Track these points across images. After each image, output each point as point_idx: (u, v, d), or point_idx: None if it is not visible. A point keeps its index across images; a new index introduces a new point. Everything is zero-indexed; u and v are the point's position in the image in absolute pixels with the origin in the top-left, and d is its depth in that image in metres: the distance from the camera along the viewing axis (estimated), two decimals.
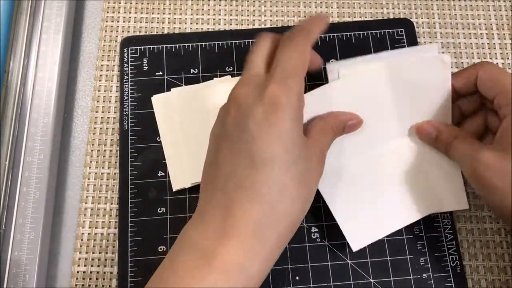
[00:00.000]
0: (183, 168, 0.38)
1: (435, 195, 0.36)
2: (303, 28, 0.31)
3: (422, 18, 0.44)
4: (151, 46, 0.42)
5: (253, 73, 0.31)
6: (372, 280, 0.36)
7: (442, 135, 0.35)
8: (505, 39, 0.44)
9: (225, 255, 0.26)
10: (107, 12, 0.44)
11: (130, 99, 0.41)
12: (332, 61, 0.41)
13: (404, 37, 0.42)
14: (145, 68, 0.42)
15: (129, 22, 0.44)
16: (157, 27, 0.44)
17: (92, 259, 0.37)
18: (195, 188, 0.38)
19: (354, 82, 0.34)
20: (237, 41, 0.42)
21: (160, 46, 0.42)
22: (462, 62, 0.43)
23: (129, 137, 0.39)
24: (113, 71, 0.42)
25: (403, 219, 0.36)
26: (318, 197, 0.38)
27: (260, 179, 0.27)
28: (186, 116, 0.39)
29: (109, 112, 0.41)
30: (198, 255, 0.26)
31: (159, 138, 0.39)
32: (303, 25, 0.32)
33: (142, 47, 0.42)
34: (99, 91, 0.42)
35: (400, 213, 0.36)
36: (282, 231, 0.28)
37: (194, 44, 0.42)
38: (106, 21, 0.44)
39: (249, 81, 0.30)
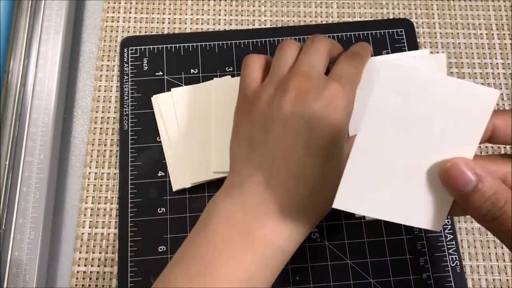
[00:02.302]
0: (183, 168, 0.38)
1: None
2: (358, 52, 0.34)
3: (422, 18, 0.44)
4: (151, 46, 0.42)
5: (305, 69, 0.31)
6: (372, 280, 0.36)
7: (486, 189, 0.23)
8: (505, 39, 0.44)
9: (265, 234, 0.27)
10: (107, 12, 0.44)
11: (130, 99, 0.41)
12: None
13: (404, 37, 0.42)
14: (145, 68, 0.42)
15: (129, 22, 0.44)
16: (157, 27, 0.44)
17: (92, 259, 0.37)
18: (195, 188, 0.38)
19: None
20: (237, 41, 0.42)
21: (160, 46, 0.42)
22: (462, 62, 0.43)
23: (129, 137, 0.39)
24: (113, 71, 0.42)
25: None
26: None
27: (310, 167, 0.28)
28: (186, 116, 0.39)
29: (109, 112, 0.41)
30: (236, 228, 0.27)
31: (159, 138, 0.39)
32: (356, 49, 0.34)
33: (142, 47, 0.42)
34: (99, 91, 0.42)
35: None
36: (318, 216, 0.30)
37: (194, 44, 0.42)
38: (106, 21, 0.44)
39: (308, 76, 0.30)
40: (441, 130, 0.24)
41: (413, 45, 0.42)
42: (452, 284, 0.36)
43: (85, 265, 0.37)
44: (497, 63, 0.43)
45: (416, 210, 0.25)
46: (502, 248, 0.38)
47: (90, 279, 0.37)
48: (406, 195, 0.25)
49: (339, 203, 0.25)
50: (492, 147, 0.40)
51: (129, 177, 0.38)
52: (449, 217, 0.38)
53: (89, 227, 0.38)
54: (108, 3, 0.44)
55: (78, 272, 0.37)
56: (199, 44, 0.42)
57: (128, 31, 0.43)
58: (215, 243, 0.27)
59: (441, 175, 0.24)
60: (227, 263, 0.26)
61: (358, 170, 0.25)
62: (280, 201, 0.28)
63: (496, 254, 0.37)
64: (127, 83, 0.41)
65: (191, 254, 0.27)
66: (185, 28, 0.44)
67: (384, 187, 0.25)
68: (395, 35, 0.43)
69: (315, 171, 0.28)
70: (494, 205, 0.22)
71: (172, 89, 0.40)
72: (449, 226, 0.37)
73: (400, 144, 0.24)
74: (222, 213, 0.28)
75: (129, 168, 0.39)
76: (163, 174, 0.38)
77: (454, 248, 0.37)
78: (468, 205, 0.23)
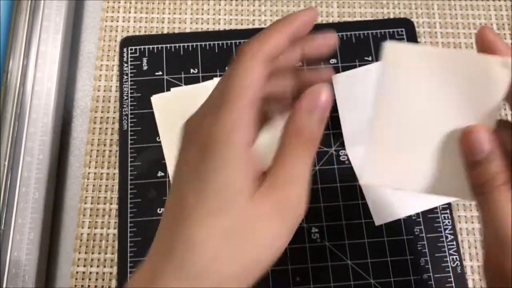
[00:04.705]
0: None
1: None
2: (257, 38, 0.25)
3: (422, 18, 0.44)
4: (151, 46, 0.42)
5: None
6: (372, 281, 0.36)
7: (491, 166, 0.23)
8: (505, 39, 0.44)
9: None
10: (107, 11, 0.44)
11: (129, 99, 0.40)
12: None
13: (405, 37, 0.42)
14: (145, 68, 0.41)
15: (128, 22, 0.44)
16: (156, 27, 0.44)
17: (92, 260, 0.37)
18: None
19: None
20: (237, 41, 0.42)
21: (159, 46, 0.42)
22: None
23: (129, 137, 0.39)
24: (112, 71, 0.42)
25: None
26: (317, 197, 0.38)
27: (177, 233, 0.23)
28: (185, 116, 0.39)
29: (108, 112, 0.41)
30: None
31: (159, 138, 0.39)
32: (264, 31, 0.26)
33: (142, 47, 0.42)
34: (98, 91, 0.42)
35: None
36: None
37: (194, 44, 0.42)
38: (106, 21, 0.44)
39: (205, 104, 0.26)
40: (460, 101, 0.24)
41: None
42: (453, 284, 0.36)
43: (84, 266, 0.37)
44: None
45: (445, 180, 0.26)
46: None
47: (90, 279, 0.37)
48: (433, 166, 0.25)
49: (366, 180, 0.26)
50: None
51: (129, 177, 0.38)
52: (449, 217, 0.38)
53: (89, 228, 0.38)
54: (108, 2, 0.44)
55: (77, 272, 0.37)
56: (199, 44, 0.42)
57: (128, 31, 0.43)
58: None
59: (461, 138, 0.24)
60: None
61: (379, 146, 0.25)
62: (157, 282, 0.22)
63: None
64: (127, 83, 0.41)
65: None
66: (185, 28, 0.44)
67: (409, 159, 0.25)
68: (396, 35, 0.42)
69: (183, 239, 0.23)
70: (490, 182, 0.23)
71: (171, 89, 0.40)
72: (450, 227, 0.37)
73: (417, 118, 0.25)
74: None
75: (129, 168, 0.38)
76: (162, 174, 0.38)
77: (455, 248, 0.37)
78: (470, 173, 0.24)
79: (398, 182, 0.26)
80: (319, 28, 0.43)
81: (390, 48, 0.24)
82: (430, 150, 0.25)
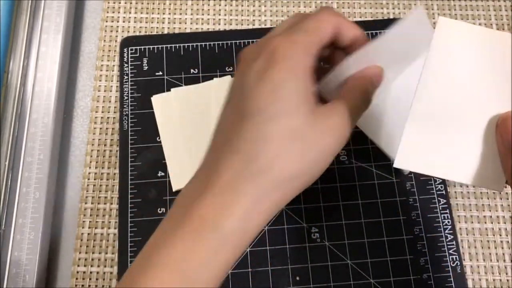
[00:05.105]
0: (183, 168, 0.38)
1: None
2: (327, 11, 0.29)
3: None
4: (151, 46, 0.42)
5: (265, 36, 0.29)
6: (372, 281, 0.36)
7: None
8: None
9: (197, 210, 0.24)
10: (107, 12, 0.44)
11: (130, 99, 0.40)
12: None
13: None
14: (145, 68, 0.41)
15: (129, 22, 0.44)
16: (157, 27, 0.44)
17: (92, 259, 0.37)
18: None
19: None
20: (237, 41, 0.42)
21: (160, 46, 0.42)
22: None
23: (129, 137, 0.39)
24: (113, 71, 0.42)
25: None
26: (317, 197, 0.38)
27: (243, 130, 0.25)
28: (186, 116, 0.39)
29: (109, 112, 0.41)
30: (176, 214, 0.26)
31: (159, 138, 0.39)
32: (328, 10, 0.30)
33: (142, 47, 0.42)
34: (99, 91, 0.42)
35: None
36: (263, 187, 0.25)
37: (194, 44, 0.42)
38: (106, 21, 0.44)
39: (258, 41, 0.29)
40: (501, 85, 0.24)
41: None
42: (453, 284, 0.36)
43: (85, 265, 0.37)
44: None
45: (477, 168, 0.25)
46: (502, 248, 0.38)
47: (90, 279, 0.37)
48: (467, 152, 0.25)
49: (399, 163, 0.26)
50: None
51: (129, 177, 0.38)
52: (449, 217, 0.38)
53: (89, 227, 0.38)
54: (108, 3, 0.44)
55: (78, 272, 0.37)
56: (199, 44, 0.42)
57: (128, 31, 0.43)
58: (162, 229, 0.27)
59: (497, 124, 0.25)
60: (163, 249, 0.26)
61: (417, 129, 0.25)
62: (215, 175, 0.25)
63: (497, 254, 0.37)
64: (127, 83, 0.41)
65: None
66: (185, 28, 0.44)
67: (445, 144, 0.25)
68: None
69: (250, 135, 0.25)
70: None
71: (172, 89, 0.40)
72: (450, 227, 0.37)
73: (459, 100, 0.24)
74: (173, 204, 0.27)
75: (129, 168, 0.39)
76: (163, 174, 0.38)
77: (455, 248, 0.37)
78: (505, 159, 0.24)
79: (432, 168, 0.26)
80: None
81: (444, 22, 0.24)
82: (468, 137, 0.25)
